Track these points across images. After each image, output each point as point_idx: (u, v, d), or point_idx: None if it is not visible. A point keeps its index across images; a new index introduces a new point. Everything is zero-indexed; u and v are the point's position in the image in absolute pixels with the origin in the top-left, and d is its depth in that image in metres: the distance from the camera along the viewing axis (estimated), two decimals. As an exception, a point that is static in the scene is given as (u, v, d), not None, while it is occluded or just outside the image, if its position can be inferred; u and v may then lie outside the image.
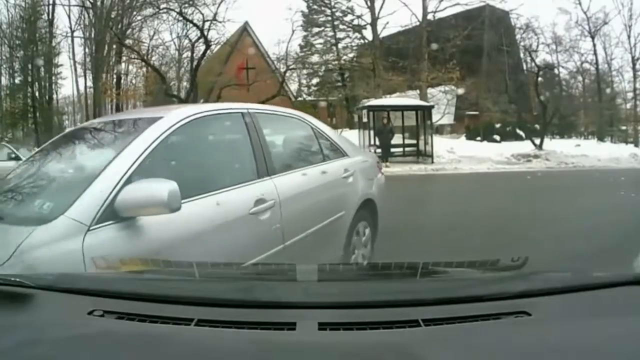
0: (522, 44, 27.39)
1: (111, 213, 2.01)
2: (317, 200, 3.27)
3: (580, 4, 25.84)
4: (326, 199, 3.39)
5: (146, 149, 2.28)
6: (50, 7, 23.58)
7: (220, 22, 19.31)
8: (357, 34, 26.40)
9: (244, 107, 3.12)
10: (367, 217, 3.90)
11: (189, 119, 2.60)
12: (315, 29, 27.96)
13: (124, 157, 2.21)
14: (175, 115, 2.56)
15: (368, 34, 24.66)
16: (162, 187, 2.01)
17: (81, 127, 3.37)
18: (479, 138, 23.01)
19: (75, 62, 25.79)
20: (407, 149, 17.72)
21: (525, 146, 19.50)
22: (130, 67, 27.84)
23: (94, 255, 1.84)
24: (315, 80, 29.76)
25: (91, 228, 1.94)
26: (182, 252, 2.13)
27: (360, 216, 3.75)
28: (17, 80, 24.50)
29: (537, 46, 26.10)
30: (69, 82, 37.96)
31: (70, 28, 24.99)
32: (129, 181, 2.10)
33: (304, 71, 28.00)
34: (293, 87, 27.37)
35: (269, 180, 2.84)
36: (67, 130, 3.44)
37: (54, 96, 25.39)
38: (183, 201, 2.09)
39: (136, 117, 2.87)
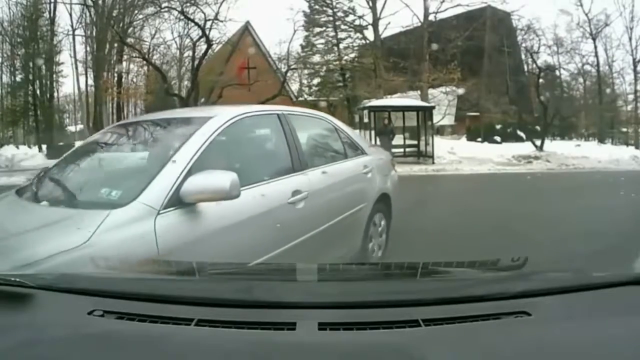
0: (523, 45, 27.37)
1: (177, 199, 2.28)
2: (342, 193, 3.64)
3: (581, 5, 25.80)
4: (349, 192, 3.76)
5: (203, 144, 2.58)
6: (52, 5, 23.61)
7: (221, 21, 19.32)
8: (358, 35, 26.38)
9: (279, 108, 3.55)
10: (383, 210, 4.28)
11: (236, 118, 2.95)
12: (317, 29, 27.94)
13: (185, 151, 2.50)
14: (225, 115, 2.91)
15: (369, 34, 24.67)
16: (225, 178, 2.29)
17: (129, 122, 3.70)
18: (479, 139, 23.01)
19: (76, 60, 25.79)
20: (407, 149, 17.72)
21: (526, 147, 19.50)
22: (132, 65, 27.83)
23: (164, 236, 2.15)
24: (316, 81, 29.76)
25: (160, 212, 2.21)
26: (235, 234, 2.48)
27: (377, 208, 4.11)
28: (18, 78, 24.44)
29: (539, 48, 26.09)
30: (70, 81, 38.10)
31: (72, 26, 24.99)
32: (190, 172, 2.38)
33: (305, 71, 28.00)
34: (294, 87, 27.37)
35: (302, 174, 3.19)
36: (113, 124, 3.89)
37: (55, 94, 25.35)
38: None
39: (189, 115, 3.30)
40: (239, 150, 3.03)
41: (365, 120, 17.49)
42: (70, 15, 25.11)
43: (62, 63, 25.79)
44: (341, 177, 3.69)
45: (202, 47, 19.49)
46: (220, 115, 2.88)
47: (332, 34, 27.59)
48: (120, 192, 2.34)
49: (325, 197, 3.32)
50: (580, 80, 29.61)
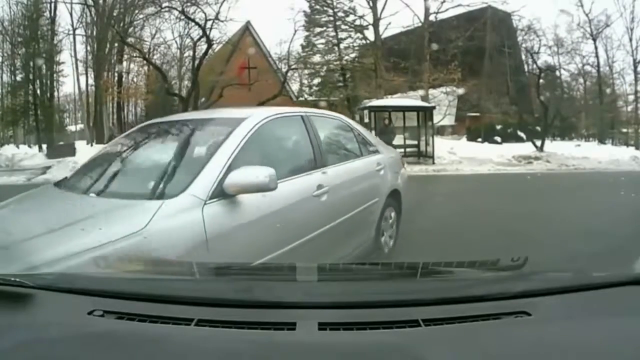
0: (523, 45, 27.34)
1: (220, 191, 2.54)
2: (358, 188, 3.93)
3: (582, 6, 25.79)
4: (364, 188, 4.05)
5: (240, 142, 2.86)
6: (53, 4, 23.61)
7: (222, 21, 19.28)
8: (359, 35, 26.30)
9: (302, 110, 3.92)
10: (394, 204, 4.59)
11: (267, 119, 3.23)
12: (317, 29, 27.86)
13: (225, 148, 2.78)
14: (257, 116, 3.18)
15: (370, 34, 24.60)
16: (264, 172, 2.56)
17: (163, 121, 3.92)
18: (480, 139, 22.99)
19: (76, 59, 25.78)
20: (408, 149, 17.68)
21: (526, 148, 19.47)
22: (132, 65, 27.80)
23: (210, 223, 2.40)
24: (316, 80, 29.72)
25: (207, 202, 2.47)
26: (269, 222, 2.77)
27: (388, 203, 4.42)
28: (18, 78, 24.43)
29: (539, 48, 26.07)
30: (71, 80, 38.15)
31: (72, 26, 25.00)
32: (230, 167, 2.65)
33: (306, 71, 27.94)
34: (294, 87, 27.36)
35: (324, 170, 3.49)
36: (147, 122, 4.09)
37: (55, 94, 25.32)
38: None
39: (225, 116, 3.59)
40: (269, 148, 3.28)
41: (366, 120, 17.46)
42: (71, 14, 25.14)
43: (63, 63, 25.85)
44: (357, 174, 3.99)
45: (202, 47, 19.48)
46: (253, 117, 3.15)
47: (333, 34, 27.53)
48: (169, 185, 2.64)
49: (344, 192, 3.64)
50: (581, 80, 29.61)
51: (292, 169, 3.23)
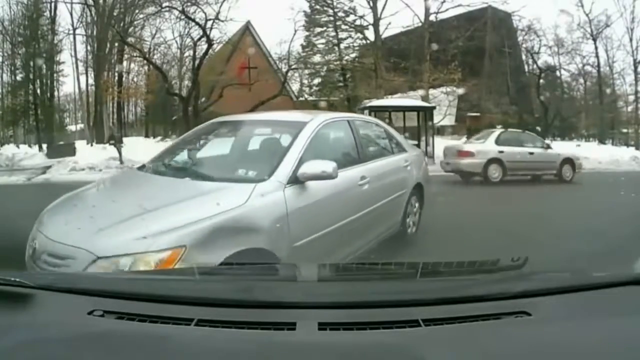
0: (524, 45, 27.39)
1: (294, 179, 3.26)
2: (390, 180, 4.65)
3: (582, 6, 25.79)
4: (395, 180, 4.78)
5: (307, 140, 3.58)
6: (53, 4, 23.61)
7: (222, 21, 19.30)
8: (359, 35, 26.32)
9: (347, 115, 5.06)
10: (417, 195, 5.36)
11: (324, 122, 3.98)
12: (318, 29, 27.88)
13: (297, 145, 3.50)
14: (317, 120, 3.91)
15: (370, 34, 24.61)
16: (329, 165, 3.27)
17: (232, 120, 4.73)
18: (480, 139, 22.97)
19: (77, 59, 25.75)
20: (408, 149, 17.66)
21: (526, 148, 19.43)
22: (132, 65, 27.80)
23: (289, 202, 3.12)
24: (317, 80, 29.75)
25: (286, 186, 3.20)
26: (329, 203, 3.51)
27: (413, 194, 5.17)
28: (18, 77, 24.42)
29: (539, 48, 26.12)
30: (71, 80, 38.08)
31: (72, 25, 24.97)
32: (301, 160, 3.36)
33: (306, 71, 27.96)
34: (295, 87, 27.37)
35: (365, 164, 4.22)
36: (216, 119, 4.79)
37: (56, 94, 25.33)
38: None
39: (291, 119, 4.36)
40: (326, 145, 4.04)
41: (366, 120, 17.42)
42: (71, 14, 25.10)
43: (63, 62, 25.84)
44: (390, 169, 4.73)
45: (202, 46, 19.52)
46: (314, 120, 3.88)
47: (333, 34, 27.55)
48: (256, 172, 3.34)
49: (380, 183, 4.36)
50: (581, 80, 29.59)
51: (342, 162, 3.80)
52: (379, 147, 5.04)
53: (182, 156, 4.13)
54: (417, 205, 5.36)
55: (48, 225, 2.93)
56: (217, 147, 4.28)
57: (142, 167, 3.94)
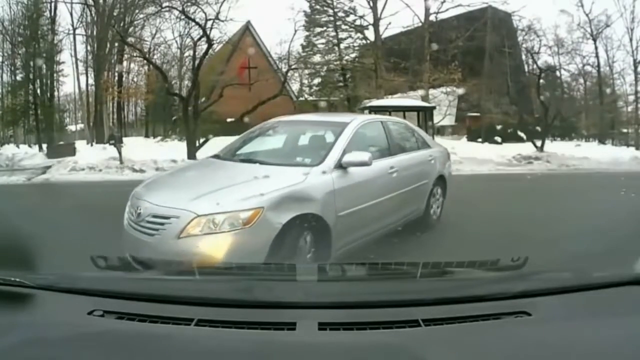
0: (524, 45, 27.25)
1: (339, 165, 4.21)
2: (415, 171, 5.47)
3: (582, 6, 25.71)
4: (419, 171, 5.58)
5: (349, 136, 4.55)
6: (53, 4, 23.55)
7: (222, 21, 19.18)
8: (359, 35, 26.26)
9: (382, 118, 6.04)
10: (440, 185, 6.14)
11: (362, 122, 5.00)
12: (318, 29, 27.82)
13: (341, 139, 4.48)
14: (357, 120, 4.95)
15: (370, 34, 24.54)
16: (366, 155, 4.26)
17: (290, 120, 6.08)
18: (480, 139, 22.96)
19: (77, 59, 25.65)
20: (408, 149, 17.65)
21: (527, 148, 19.41)
22: (132, 65, 27.73)
23: (335, 182, 4.06)
24: (317, 80, 29.69)
25: (333, 170, 4.15)
26: (366, 184, 4.42)
27: (435, 184, 5.95)
28: (18, 77, 24.36)
29: (539, 48, 26.02)
30: (71, 80, 38.01)
31: (72, 25, 24.88)
32: (344, 151, 4.31)
33: (306, 71, 27.88)
34: (295, 87, 27.30)
35: (394, 157, 5.10)
36: (276, 118, 5.88)
37: (56, 93, 25.23)
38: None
39: (336, 119, 5.57)
40: (364, 140, 4.84)
41: (366, 120, 17.40)
42: (71, 14, 25.04)
43: (63, 62, 25.76)
44: (415, 161, 5.54)
45: (202, 46, 19.40)
46: (354, 121, 4.89)
47: (333, 34, 27.50)
48: (310, 159, 4.31)
49: (406, 172, 5.17)
50: (581, 81, 29.51)
51: (376, 154, 4.68)
52: (406, 143, 5.79)
53: (249, 147, 5.08)
54: (439, 194, 6.15)
55: (150, 195, 3.78)
56: (277, 140, 5.32)
57: (215, 156, 4.94)
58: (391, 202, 4.77)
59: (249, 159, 4.57)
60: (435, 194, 5.95)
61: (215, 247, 3.29)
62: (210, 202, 3.42)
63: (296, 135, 5.30)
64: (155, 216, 3.49)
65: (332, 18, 26.63)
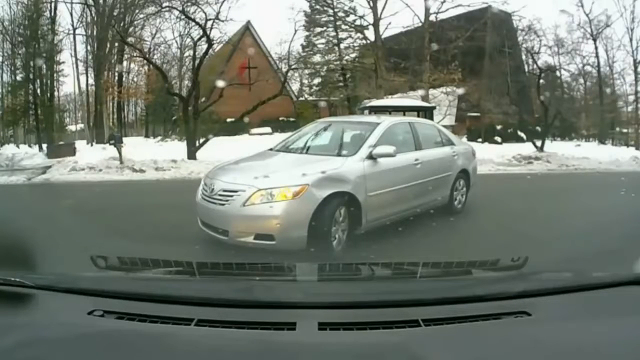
0: (524, 45, 27.29)
1: (370, 156, 5.14)
2: (439, 164, 6.36)
3: (582, 6, 25.74)
4: (443, 164, 6.48)
5: (380, 133, 5.52)
6: (53, 4, 23.56)
7: (222, 21, 19.18)
8: (359, 35, 26.28)
9: (410, 119, 7.17)
10: (464, 178, 6.99)
11: (392, 123, 5.99)
12: (318, 29, 27.86)
13: (373, 135, 5.45)
14: (388, 121, 5.96)
15: (370, 34, 24.56)
16: (391, 148, 5.18)
17: (332, 120, 7.83)
18: (480, 139, 22.94)
19: (77, 59, 25.70)
20: (408, 149, 17.62)
21: (527, 148, 19.38)
22: (132, 65, 27.78)
23: (366, 169, 5.03)
24: (317, 80, 29.72)
25: (364, 160, 5.09)
26: (392, 172, 5.32)
27: (459, 177, 6.84)
28: (18, 77, 24.37)
29: (539, 48, 26.06)
30: (71, 80, 38.12)
31: (72, 25, 24.94)
32: (375, 145, 5.24)
33: (306, 71, 27.95)
34: (295, 87, 27.37)
35: (419, 151, 6.02)
36: (321, 120, 7.57)
37: (56, 93, 25.25)
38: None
39: (369, 120, 6.58)
40: (393, 137, 5.67)
41: (366, 120, 17.39)
42: (71, 14, 25.15)
43: (63, 62, 25.81)
44: (438, 156, 6.44)
45: (202, 46, 19.40)
46: (385, 122, 5.89)
47: (333, 34, 27.54)
48: (347, 151, 5.38)
49: (430, 165, 6.05)
50: (581, 81, 29.54)
51: (402, 149, 5.63)
52: (431, 140, 6.62)
53: (298, 143, 6.17)
54: (462, 185, 6.96)
55: (221, 176, 4.95)
56: (320, 137, 6.35)
57: (271, 149, 6.11)
58: (415, 188, 5.65)
59: (299, 151, 5.90)
60: (458, 185, 6.81)
61: (271, 213, 4.35)
62: (268, 180, 4.52)
63: (336, 133, 6.33)
64: (225, 190, 4.65)
65: (332, 18, 26.66)
